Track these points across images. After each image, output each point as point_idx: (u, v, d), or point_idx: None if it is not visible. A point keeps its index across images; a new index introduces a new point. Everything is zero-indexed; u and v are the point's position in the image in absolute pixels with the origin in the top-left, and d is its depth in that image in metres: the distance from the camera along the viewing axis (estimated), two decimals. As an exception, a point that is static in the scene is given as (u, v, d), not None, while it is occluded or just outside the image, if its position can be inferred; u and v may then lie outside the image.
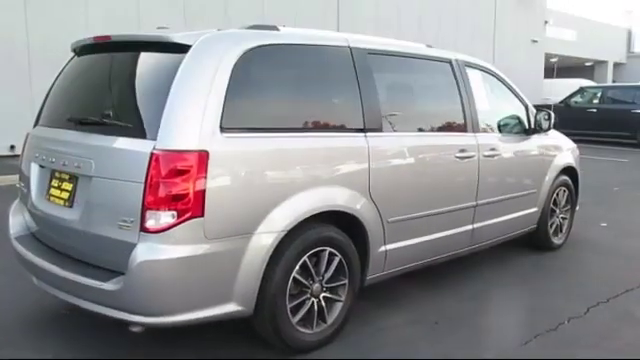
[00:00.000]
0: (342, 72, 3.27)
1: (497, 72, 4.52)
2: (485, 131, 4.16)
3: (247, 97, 2.84)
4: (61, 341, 3.21)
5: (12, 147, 10.28)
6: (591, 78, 26.20)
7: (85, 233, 2.79)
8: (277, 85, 3.06)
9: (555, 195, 5.01)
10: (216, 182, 2.62)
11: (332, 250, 3.12)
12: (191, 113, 2.62)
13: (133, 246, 2.57)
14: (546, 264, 4.83)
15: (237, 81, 2.75)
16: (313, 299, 3.08)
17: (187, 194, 2.55)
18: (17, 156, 10.57)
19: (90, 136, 2.84)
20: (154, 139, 2.58)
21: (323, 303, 3.12)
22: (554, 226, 5.08)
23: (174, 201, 2.55)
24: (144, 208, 2.55)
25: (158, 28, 3.27)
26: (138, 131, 2.67)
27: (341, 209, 3.13)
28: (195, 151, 2.58)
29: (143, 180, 2.55)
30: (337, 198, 3.12)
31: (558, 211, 5.11)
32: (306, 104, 3.17)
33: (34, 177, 3.20)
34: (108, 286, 2.61)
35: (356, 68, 3.30)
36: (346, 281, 3.22)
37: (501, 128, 4.38)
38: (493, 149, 4.14)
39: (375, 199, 3.28)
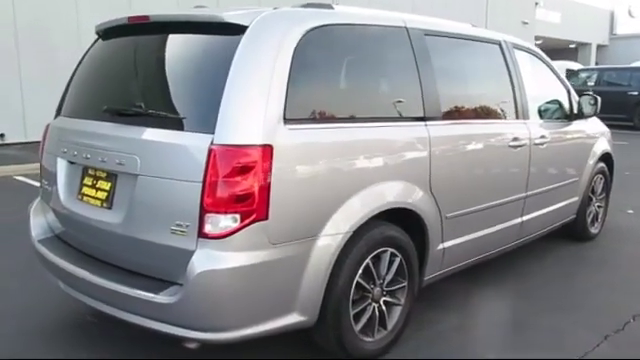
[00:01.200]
0: (401, 55, 2.99)
1: (541, 54, 4.27)
2: (533, 117, 3.92)
3: (308, 84, 2.55)
4: (88, 351, 2.91)
5: (2, 136, 9.80)
6: (575, 60, 26.13)
7: (128, 238, 2.48)
8: (337, 70, 2.76)
9: (593, 183, 4.80)
10: (281, 180, 2.33)
11: (393, 250, 2.86)
12: (253, 103, 2.32)
13: (190, 254, 2.28)
14: (585, 255, 4.64)
15: (298, 66, 2.45)
16: (374, 304, 2.83)
17: (251, 194, 2.26)
18: (7, 145, 10.15)
19: (132, 129, 2.52)
20: (211, 133, 2.28)
21: (383, 308, 2.88)
22: (591, 215, 4.89)
23: (237, 203, 2.25)
24: (202, 211, 2.25)
25: (196, 7, 2.95)
26: (191, 124, 2.36)
27: (405, 206, 2.87)
28: (259, 146, 2.28)
29: (201, 179, 2.25)
30: (401, 194, 2.85)
31: (594, 199, 4.92)
32: (366, 91, 2.88)
33: (61, 174, 2.87)
34: (162, 299, 2.32)
35: (414, 51, 3.01)
36: (405, 283, 2.97)
37: (543, 114, 4.14)
38: (543, 136, 3.90)
39: (435, 193, 3.03)
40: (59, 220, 2.97)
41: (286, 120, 2.38)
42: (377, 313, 2.84)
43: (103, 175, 2.64)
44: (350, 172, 2.63)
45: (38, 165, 8.60)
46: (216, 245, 2.26)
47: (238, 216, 2.26)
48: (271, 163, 2.30)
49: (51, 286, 3.09)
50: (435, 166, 3.02)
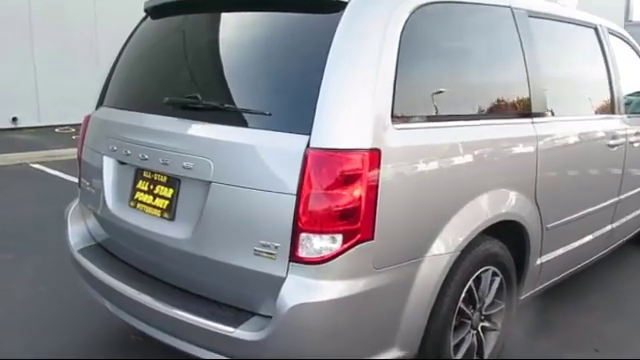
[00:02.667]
0: (506, 40, 2.54)
1: (632, 41, 3.80)
2: (627, 112, 3.47)
3: (416, 73, 2.11)
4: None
5: (14, 119, 9.39)
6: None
7: (196, 257, 2.07)
8: (444, 56, 2.32)
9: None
10: (387, 192, 1.91)
11: (495, 269, 2.45)
12: (358, 95, 1.89)
13: (278, 281, 1.87)
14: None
15: (406, 51, 2.01)
16: (472, 331, 2.42)
17: (356, 210, 1.84)
18: (20, 129, 9.76)
19: (204, 127, 2.09)
20: (306, 133, 1.85)
21: (482, 335, 2.47)
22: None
23: (339, 220, 1.83)
24: (297, 230, 1.84)
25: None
26: (280, 122, 1.93)
27: (513, 217, 2.45)
28: (367, 150, 1.85)
29: (294, 191, 1.83)
30: (509, 203, 2.43)
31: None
32: (475, 83, 2.44)
33: (109, 176, 2.45)
34: (242, 334, 1.91)
35: (520, 34, 2.57)
36: (503, 305, 2.57)
37: (633, 107, 3.69)
38: (637, 133, 3.46)
39: (539, 201, 2.60)
40: (104, 228, 2.56)
41: (394, 118, 1.95)
42: (475, 341, 2.44)
43: (163, 180, 2.22)
44: (459, 180, 2.20)
45: (54, 152, 8.14)
46: (312, 272, 1.85)
47: (340, 237, 1.84)
48: (379, 171, 1.87)
49: (86, 295, 2.70)
50: (541, 170, 2.59)
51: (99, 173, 2.49)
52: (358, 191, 1.83)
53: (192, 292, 2.17)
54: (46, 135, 9.20)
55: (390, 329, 2.06)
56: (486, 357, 2.51)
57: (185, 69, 2.38)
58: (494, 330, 2.55)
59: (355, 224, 1.84)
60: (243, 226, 1.95)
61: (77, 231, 2.71)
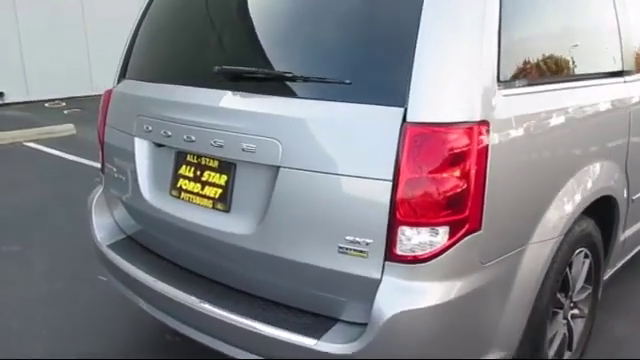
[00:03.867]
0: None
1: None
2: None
3: (519, 29, 1.77)
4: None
5: (1, 94, 8.87)
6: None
7: (261, 256, 1.75)
8: (545, 10, 1.95)
9: None
10: (495, 170, 1.59)
11: (586, 251, 2.16)
12: (462, 59, 1.55)
13: (372, 284, 1.56)
14: None
15: (508, 4, 1.67)
16: (562, 321, 2.15)
17: (464, 196, 1.52)
18: (7, 105, 9.25)
19: (267, 100, 1.75)
20: (399, 105, 1.51)
21: (571, 323, 2.20)
22: None
23: (446, 209, 1.52)
24: (394, 223, 1.52)
25: None
26: (365, 92, 1.59)
27: (610, 192, 2.15)
28: (475, 123, 1.52)
29: (389, 176, 1.50)
30: (605, 177, 2.14)
31: None
32: (572, 37, 2.08)
33: (143, 161, 2.10)
34: (329, 347, 1.61)
35: (610, -16, 2.22)
36: (590, 289, 2.29)
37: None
38: None
39: (629, 171, 2.31)
40: (138, 220, 2.23)
41: (500, 83, 1.62)
42: (566, 332, 2.18)
43: (213, 164, 1.88)
44: (563, 154, 1.90)
45: (48, 129, 7.62)
46: (413, 272, 1.54)
47: (446, 229, 1.53)
48: (488, 147, 1.55)
49: (109, 290, 2.38)
50: (633, 135, 2.29)
51: (130, 157, 2.14)
52: (467, 172, 1.51)
53: (253, 294, 1.86)
54: (36, 110, 8.72)
55: (490, 329, 1.77)
56: (574, 348, 2.25)
57: (236, 30, 2.00)
58: (582, 317, 2.29)
59: (463, 212, 1.53)
60: (322, 219, 1.62)
61: (103, 223, 2.38)
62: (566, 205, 1.88)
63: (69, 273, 3.27)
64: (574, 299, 2.20)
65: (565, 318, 2.17)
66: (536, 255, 1.80)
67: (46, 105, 9.18)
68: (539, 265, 1.81)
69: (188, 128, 1.88)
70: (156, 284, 2.01)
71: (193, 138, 1.86)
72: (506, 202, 1.66)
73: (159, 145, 2.05)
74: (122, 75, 2.35)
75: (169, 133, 1.95)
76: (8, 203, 4.55)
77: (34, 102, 9.24)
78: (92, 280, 3.06)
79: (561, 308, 2.11)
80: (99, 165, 2.45)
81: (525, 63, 1.77)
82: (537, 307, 1.87)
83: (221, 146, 1.78)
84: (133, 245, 2.31)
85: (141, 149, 2.10)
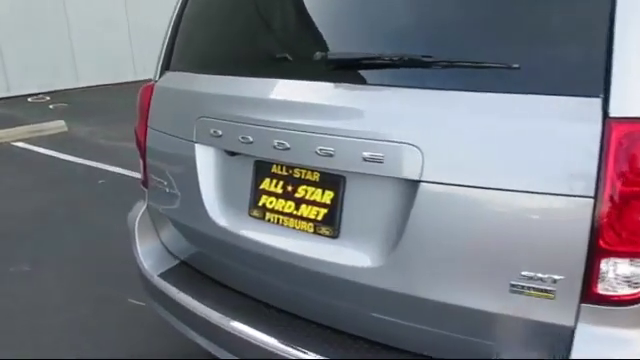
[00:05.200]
0: None
1: None
2: None
3: None
4: None
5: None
6: None
7: (393, 295, 1.35)
8: None
9: None
10: None
11: None
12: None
13: (561, 333, 1.18)
14: None
15: None
16: None
17: (686, 213, 1.14)
18: (7, 98, 8.61)
19: (395, 94, 1.33)
20: (595, 95, 1.12)
21: None
22: None
23: (664, 232, 1.13)
24: (596, 252, 1.13)
25: None
26: (539, 79, 1.19)
27: None
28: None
29: (592, 191, 1.11)
30: None
31: None
32: None
33: (208, 172, 1.68)
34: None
35: None
36: None
37: None
38: None
39: None
40: (199, 244, 1.82)
41: None
42: None
43: (313, 178, 1.47)
44: None
45: (36, 127, 6.97)
46: (621, 317, 1.16)
47: (663, 257, 1.15)
48: None
49: (144, 315, 1.99)
50: None
51: (188, 169, 1.72)
52: (689, 182, 1.12)
53: (374, 341, 1.47)
54: (19, 107, 8.14)
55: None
56: None
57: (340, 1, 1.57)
58: None
59: (682, 235, 1.15)
60: (485, 249, 1.23)
61: (150, 248, 1.97)
62: None
63: (92, 295, 2.85)
64: None
65: None
66: None
67: (29, 100, 8.60)
68: None
69: (279, 132, 1.46)
70: (237, 327, 1.60)
71: (287, 145, 1.44)
72: None
73: (232, 154, 1.63)
74: (165, 67, 1.92)
75: (250, 139, 1.53)
76: (6, 213, 4.07)
77: (16, 97, 8.65)
78: (121, 302, 2.68)
79: None
80: (140, 176, 2.02)
81: None
82: None
83: (330, 155, 1.37)
84: (191, 273, 1.90)
85: (205, 158, 1.68)
